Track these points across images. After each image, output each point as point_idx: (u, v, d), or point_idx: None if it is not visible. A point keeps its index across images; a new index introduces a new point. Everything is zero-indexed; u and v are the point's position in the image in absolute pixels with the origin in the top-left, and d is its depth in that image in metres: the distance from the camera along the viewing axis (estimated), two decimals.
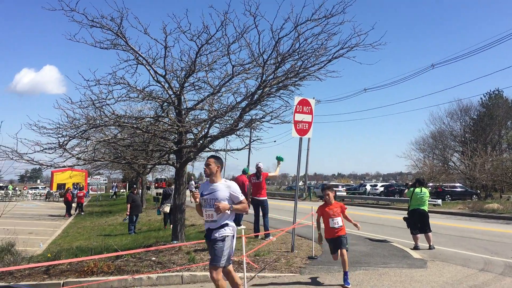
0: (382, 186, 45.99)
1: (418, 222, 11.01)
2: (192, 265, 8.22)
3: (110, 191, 58.61)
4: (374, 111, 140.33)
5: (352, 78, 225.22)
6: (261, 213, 12.01)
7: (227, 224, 5.46)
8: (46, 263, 7.71)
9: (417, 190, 11.21)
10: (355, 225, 7.54)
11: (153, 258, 8.86)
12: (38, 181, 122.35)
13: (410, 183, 12.73)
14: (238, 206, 5.52)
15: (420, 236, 10.93)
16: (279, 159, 12.27)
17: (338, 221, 7.29)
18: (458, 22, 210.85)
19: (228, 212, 5.45)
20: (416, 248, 10.69)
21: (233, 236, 5.54)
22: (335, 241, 7.30)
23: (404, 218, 11.55)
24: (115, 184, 56.78)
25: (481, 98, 56.83)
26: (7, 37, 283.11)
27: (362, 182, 68.97)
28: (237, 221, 13.42)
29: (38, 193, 54.24)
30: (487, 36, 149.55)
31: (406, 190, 12.01)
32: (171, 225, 12.04)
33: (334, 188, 11.61)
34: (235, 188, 5.57)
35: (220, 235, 5.37)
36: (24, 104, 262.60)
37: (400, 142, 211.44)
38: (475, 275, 7.84)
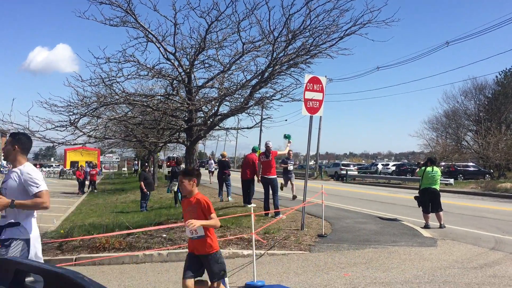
0: (393, 165, 45.73)
1: (429, 201, 10.96)
2: None
3: (124, 169, 59.25)
4: (386, 90, 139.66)
5: (364, 56, 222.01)
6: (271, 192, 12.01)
7: (18, 224, 3.95)
8: (59, 239, 7.84)
9: (429, 169, 11.14)
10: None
11: (164, 235, 8.97)
12: (52, 159, 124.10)
13: (422, 162, 12.64)
14: (26, 202, 3.91)
15: (431, 215, 10.90)
16: (287, 137, 12.25)
17: (197, 229, 4.35)
18: None
19: (17, 209, 3.92)
20: (426, 227, 10.67)
21: (27, 241, 3.96)
22: (202, 261, 4.48)
23: (415, 197, 11.52)
24: (136, 162, 57.20)
25: (496, 77, 55.44)
26: (21, 14, 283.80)
27: (374, 161, 68.51)
28: (248, 200, 13.49)
29: (52, 171, 55.18)
30: (504, 13, 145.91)
31: (418, 169, 11.95)
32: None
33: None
34: (30, 176, 3.99)
35: (7, 237, 3.91)
36: (37, 83, 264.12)
37: (413, 121, 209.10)
38: (486, 253, 7.81)
